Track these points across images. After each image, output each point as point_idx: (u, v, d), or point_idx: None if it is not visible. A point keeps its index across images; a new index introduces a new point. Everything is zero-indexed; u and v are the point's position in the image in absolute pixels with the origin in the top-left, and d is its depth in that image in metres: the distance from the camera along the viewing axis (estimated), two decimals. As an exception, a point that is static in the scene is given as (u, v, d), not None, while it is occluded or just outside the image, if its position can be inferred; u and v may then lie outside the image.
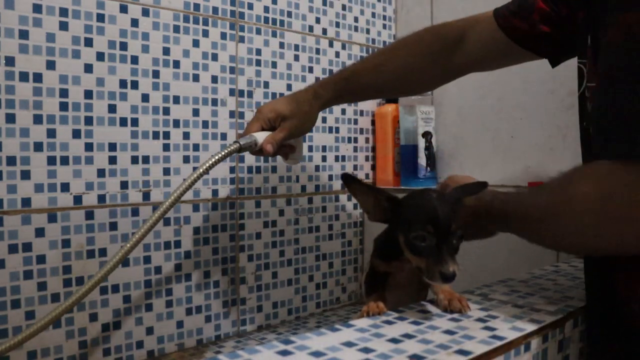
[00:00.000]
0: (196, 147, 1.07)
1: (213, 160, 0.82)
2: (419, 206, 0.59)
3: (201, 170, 0.81)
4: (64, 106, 0.92)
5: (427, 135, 1.31)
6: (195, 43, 1.07)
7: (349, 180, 0.62)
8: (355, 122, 1.37)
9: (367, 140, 1.40)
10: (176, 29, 1.04)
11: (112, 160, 0.97)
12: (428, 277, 0.57)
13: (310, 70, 1.26)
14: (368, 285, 0.69)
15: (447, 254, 0.55)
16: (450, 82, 0.96)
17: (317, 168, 1.28)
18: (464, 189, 0.66)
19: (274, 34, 1.19)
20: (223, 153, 0.83)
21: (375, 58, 0.93)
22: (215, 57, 1.10)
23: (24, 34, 0.87)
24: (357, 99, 0.98)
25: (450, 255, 0.56)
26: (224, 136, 1.11)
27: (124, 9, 0.98)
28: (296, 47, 1.24)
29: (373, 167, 1.41)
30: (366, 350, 0.49)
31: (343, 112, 1.33)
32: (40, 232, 0.90)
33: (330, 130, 1.30)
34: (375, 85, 0.92)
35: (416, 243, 0.57)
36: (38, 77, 0.89)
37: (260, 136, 0.88)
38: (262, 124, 0.90)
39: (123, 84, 0.98)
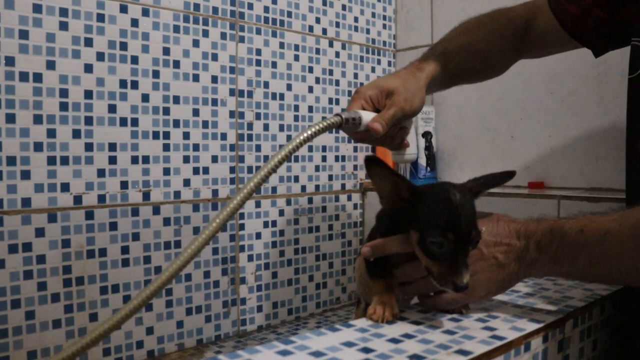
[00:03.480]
0: (196, 147, 1.07)
1: (311, 131, 0.68)
2: (441, 208, 0.54)
3: (297, 141, 0.67)
4: (64, 106, 0.92)
5: (427, 135, 1.31)
6: (195, 43, 1.07)
7: (371, 163, 0.56)
8: (355, 122, 1.37)
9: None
10: (176, 29, 1.04)
11: (112, 160, 0.97)
12: (439, 283, 0.54)
13: (310, 70, 1.26)
14: (370, 262, 0.63)
15: (462, 264, 0.53)
16: (512, 66, 0.92)
17: (317, 168, 1.28)
18: (486, 181, 0.60)
19: (274, 34, 1.19)
20: (323, 125, 0.70)
21: (458, 39, 0.85)
22: (215, 57, 1.10)
23: (24, 34, 0.87)
24: (450, 82, 0.87)
25: (465, 265, 0.53)
26: (224, 136, 1.11)
27: (124, 9, 0.98)
28: (296, 47, 1.24)
29: (373, 167, 1.41)
30: (366, 350, 0.49)
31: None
32: (40, 232, 0.90)
33: (330, 130, 1.30)
34: (464, 65, 0.84)
35: (432, 248, 0.54)
36: (38, 77, 0.89)
37: (365, 115, 0.73)
38: (363, 103, 0.76)
39: (123, 84, 0.98)
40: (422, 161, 1.31)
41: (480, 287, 0.59)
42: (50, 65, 0.90)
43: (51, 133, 0.90)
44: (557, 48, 0.88)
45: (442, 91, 0.97)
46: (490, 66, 0.88)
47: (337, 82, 1.32)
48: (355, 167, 1.37)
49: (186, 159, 1.06)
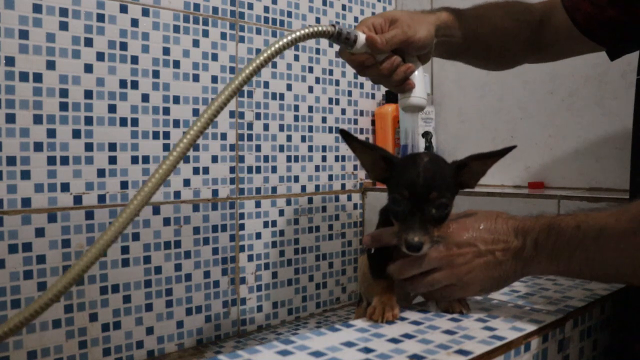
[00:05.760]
0: (196, 147, 1.07)
1: (301, 33, 0.64)
2: (404, 168, 0.56)
3: (287, 40, 0.63)
4: (64, 106, 0.92)
5: (427, 135, 1.31)
6: (195, 43, 1.07)
7: (348, 138, 0.58)
8: (355, 122, 1.37)
9: (367, 140, 1.40)
10: (176, 29, 1.04)
11: (112, 160, 0.97)
12: (398, 242, 0.55)
13: (310, 70, 1.26)
14: (373, 262, 0.64)
15: (417, 223, 0.53)
16: (524, 62, 0.89)
17: (317, 168, 1.28)
18: (480, 154, 0.59)
19: (274, 34, 1.19)
20: (314, 30, 0.65)
21: (475, 10, 0.83)
22: (215, 57, 1.10)
23: (24, 34, 0.87)
24: (460, 44, 0.81)
25: (421, 225, 0.53)
26: (224, 136, 1.11)
27: (124, 9, 0.98)
28: (296, 47, 1.23)
29: (373, 167, 1.41)
30: (366, 350, 0.49)
31: (343, 112, 1.33)
32: (40, 232, 0.90)
33: (330, 130, 1.30)
34: (476, 34, 0.80)
35: (392, 206, 0.55)
36: (38, 77, 0.89)
37: (364, 36, 0.69)
38: (365, 30, 0.71)
39: (123, 84, 0.98)
40: (422, 161, 1.31)
41: (475, 283, 0.58)
42: (50, 65, 0.90)
43: (51, 133, 0.90)
44: (570, 47, 0.85)
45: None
46: (502, 47, 0.85)
47: (337, 82, 1.32)
48: (355, 167, 1.37)
49: (186, 159, 1.06)
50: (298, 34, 0.64)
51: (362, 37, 0.68)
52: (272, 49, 0.62)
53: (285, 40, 0.63)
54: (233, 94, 0.60)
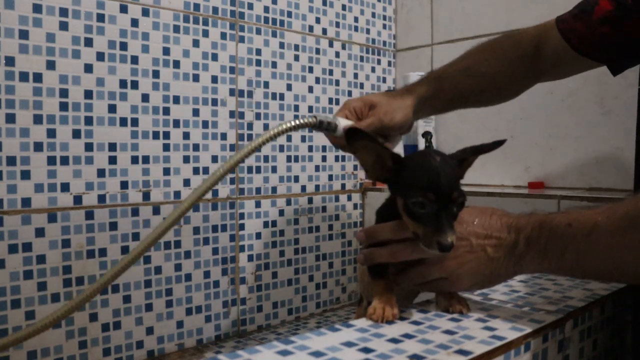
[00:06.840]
0: (196, 147, 1.07)
1: (285, 126, 0.72)
2: (421, 170, 0.56)
3: (266, 136, 0.71)
4: (64, 106, 0.92)
5: (427, 135, 1.31)
6: (195, 43, 1.07)
7: (355, 137, 0.57)
8: (355, 122, 1.37)
9: (367, 140, 1.40)
10: (176, 29, 1.04)
11: (112, 160, 0.97)
12: (425, 244, 0.55)
13: (310, 70, 1.26)
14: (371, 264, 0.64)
15: (446, 223, 0.54)
16: (528, 89, 0.90)
17: (317, 168, 1.28)
18: (474, 148, 0.61)
19: (274, 34, 1.19)
20: (298, 122, 0.72)
21: (460, 62, 0.86)
22: (215, 57, 1.10)
23: (24, 34, 0.87)
24: (447, 105, 0.88)
25: (449, 225, 0.54)
26: (224, 136, 1.11)
27: (124, 9, 0.98)
28: (296, 47, 1.24)
29: (373, 167, 1.41)
30: (366, 350, 0.49)
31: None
32: (40, 232, 0.90)
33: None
34: (463, 88, 0.85)
35: (415, 209, 0.55)
36: (38, 77, 0.89)
37: (344, 122, 0.76)
38: (347, 113, 0.79)
39: (123, 84, 0.98)
40: (422, 161, 1.31)
41: (467, 277, 0.59)
42: (50, 65, 0.90)
43: (51, 133, 0.90)
44: (572, 67, 0.85)
45: (441, 114, 0.97)
46: (497, 89, 0.87)
47: (337, 82, 1.32)
48: (355, 167, 1.37)
49: (186, 159, 1.06)
50: (284, 126, 0.72)
51: (341, 125, 0.75)
52: (256, 142, 0.71)
53: (271, 132, 0.71)
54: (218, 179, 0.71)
